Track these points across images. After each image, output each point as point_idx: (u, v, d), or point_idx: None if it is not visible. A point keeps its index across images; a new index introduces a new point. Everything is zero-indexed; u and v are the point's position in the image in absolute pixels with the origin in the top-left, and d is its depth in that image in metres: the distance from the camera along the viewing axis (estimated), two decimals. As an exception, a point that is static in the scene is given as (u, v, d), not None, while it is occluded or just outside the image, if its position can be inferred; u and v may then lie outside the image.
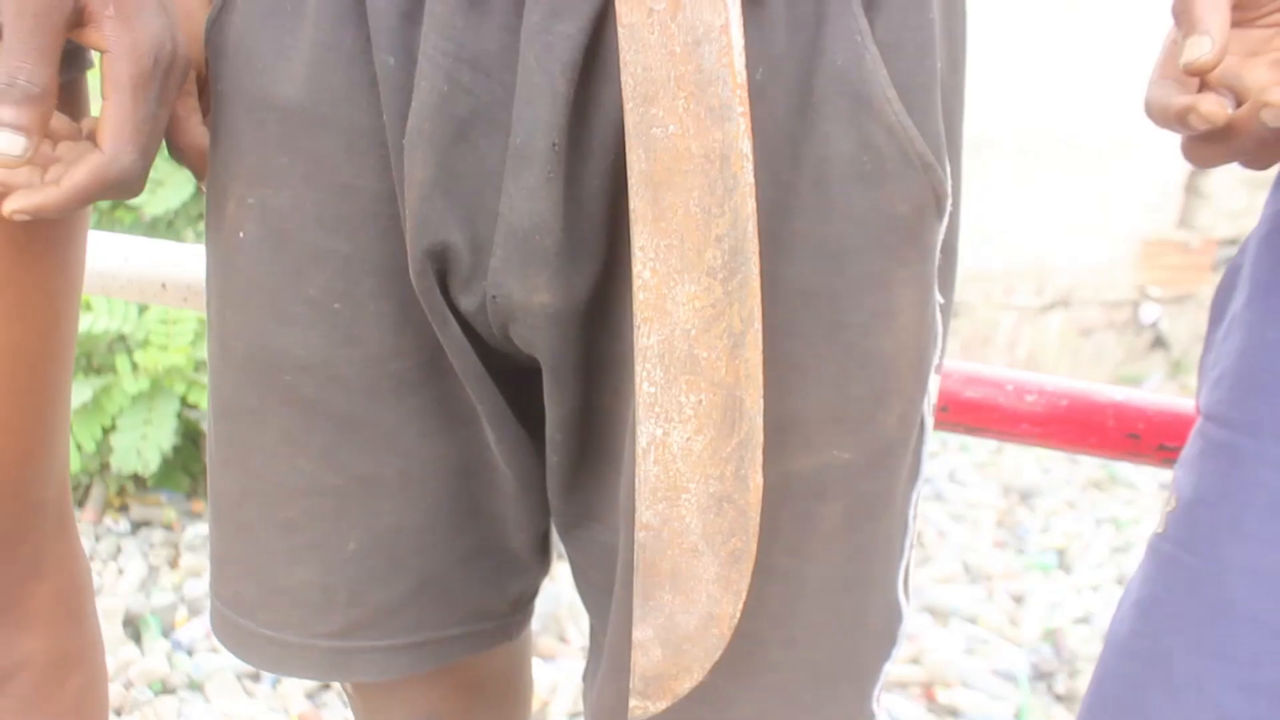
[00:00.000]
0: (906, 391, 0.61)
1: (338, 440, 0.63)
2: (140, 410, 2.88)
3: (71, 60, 0.67)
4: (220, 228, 0.64)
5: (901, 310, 0.59)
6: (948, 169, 0.60)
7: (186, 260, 0.99)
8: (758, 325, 0.53)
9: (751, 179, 0.52)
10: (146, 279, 0.99)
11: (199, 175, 0.66)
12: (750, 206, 0.52)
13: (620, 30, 0.51)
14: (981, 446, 3.71)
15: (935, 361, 0.63)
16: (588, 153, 0.56)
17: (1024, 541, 3.18)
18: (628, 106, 0.52)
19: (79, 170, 0.57)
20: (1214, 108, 0.55)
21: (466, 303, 0.60)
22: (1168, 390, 4.86)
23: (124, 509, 3.07)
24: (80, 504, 3.01)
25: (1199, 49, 0.54)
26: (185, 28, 0.67)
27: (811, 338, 0.58)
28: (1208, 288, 4.94)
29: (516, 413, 0.64)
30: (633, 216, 0.53)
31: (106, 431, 2.83)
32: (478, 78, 0.55)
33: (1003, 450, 3.64)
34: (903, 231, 0.58)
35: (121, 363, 2.81)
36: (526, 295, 0.57)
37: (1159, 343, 4.95)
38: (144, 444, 2.88)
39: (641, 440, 0.55)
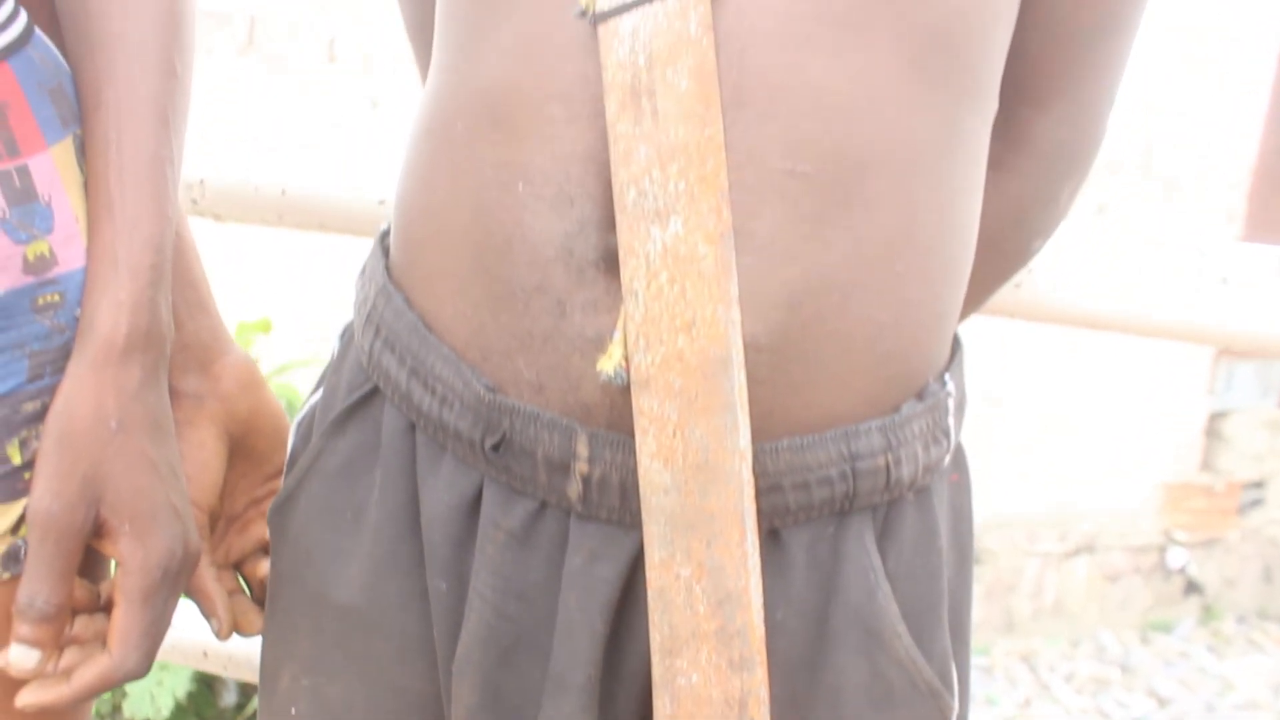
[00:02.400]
0: None
1: None
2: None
3: None
4: (274, 695, 0.68)
5: None
6: (954, 685, 0.63)
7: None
8: None
9: (769, 721, 0.56)
10: (189, 645, 1.03)
11: (208, 614, 0.71)
12: (767, 749, 0.56)
13: (650, 592, 0.56)
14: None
15: None
16: (622, 678, 0.60)
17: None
18: (655, 658, 0.56)
19: (88, 672, 0.62)
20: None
21: None
22: (1199, 638, 4.77)
23: (134, 757, 3.02)
24: (91, 751, 2.97)
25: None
26: (224, 416, 0.72)
27: None
28: (1235, 532, 4.90)
29: None
30: (658, 757, 0.56)
31: (124, 678, 2.82)
32: (522, 607, 0.60)
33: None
34: None
35: (146, 612, 2.83)
36: None
37: (1190, 588, 4.88)
38: (159, 689, 2.86)
39: None
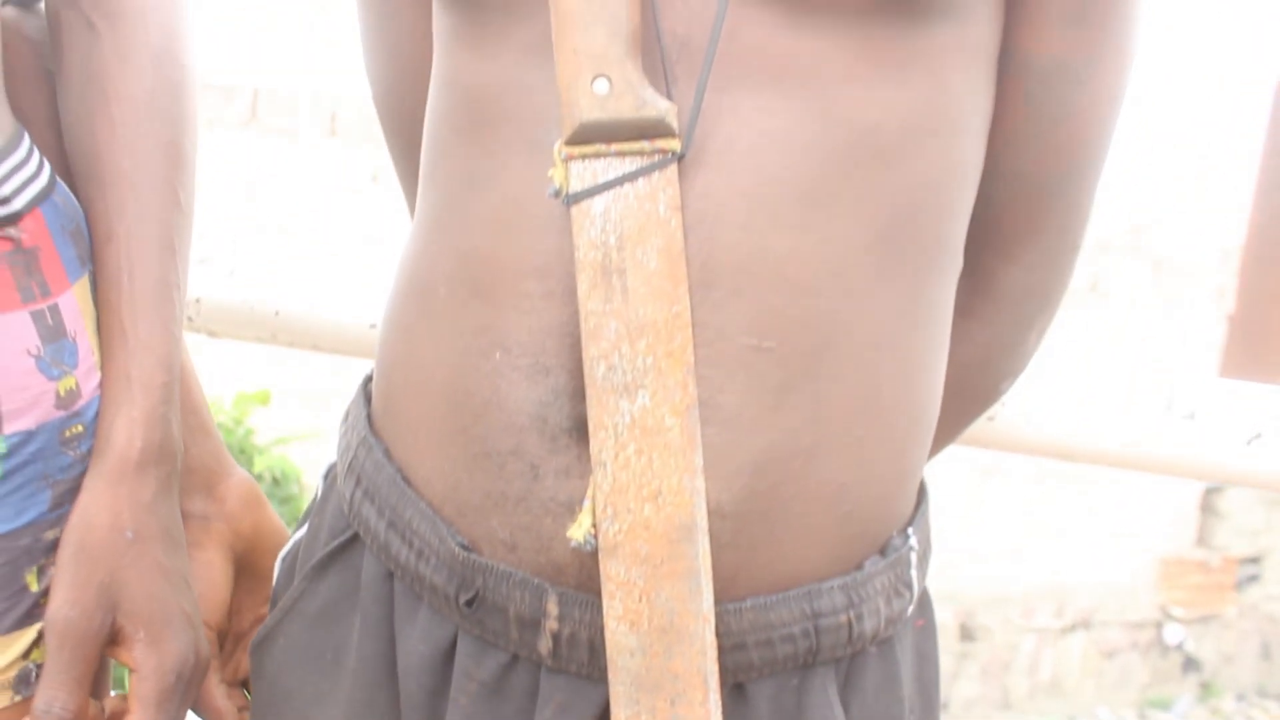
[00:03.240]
0: None
1: None
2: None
3: None
4: None
5: None
6: None
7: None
8: None
9: None
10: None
11: None
12: None
13: None
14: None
15: None
16: None
17: None
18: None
19: None
20: None
21: None
22: (1198, 715, 4.73)
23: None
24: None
25: None
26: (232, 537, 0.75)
27: None
28: (1233, 608, 4.88)
29: None
30: None
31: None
32: None
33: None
34: None
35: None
36: None
37: (1188, 665, 4.85)
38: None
39: None
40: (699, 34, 0.58)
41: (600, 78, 0.55)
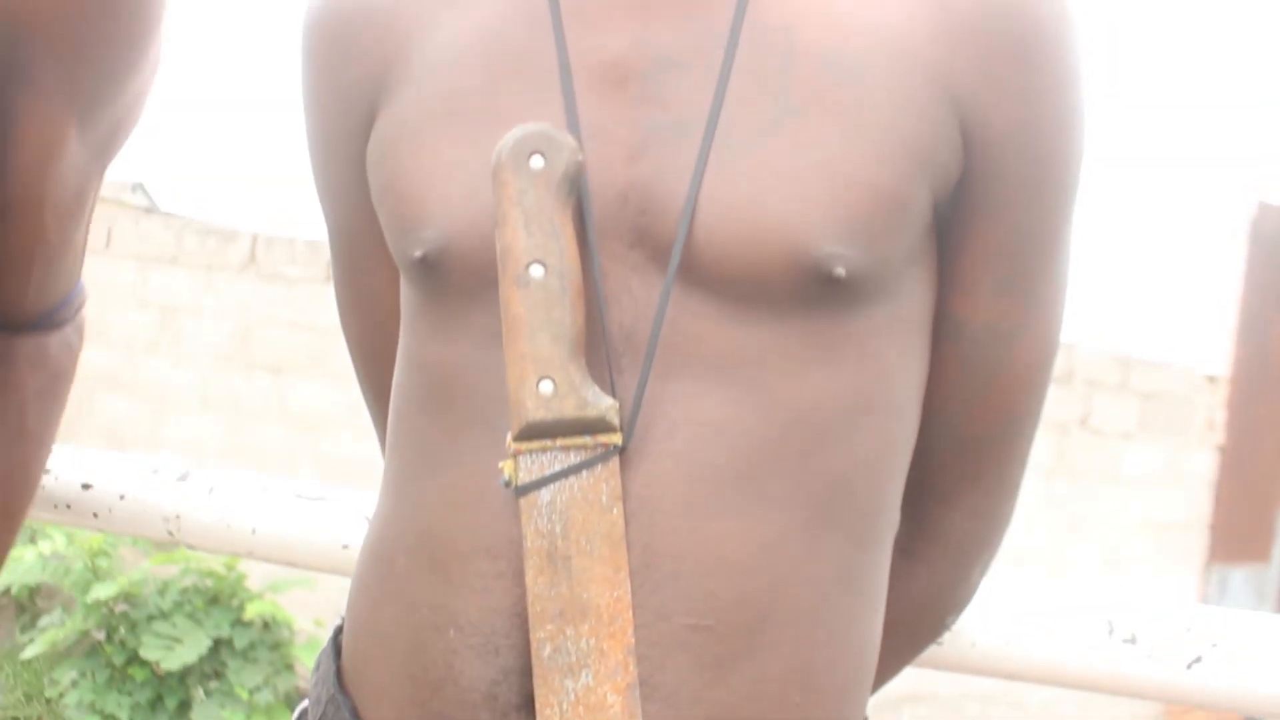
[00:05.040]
0: None
1: None
2: None
3: None
4: None
5: None
6: None
7: None
8: None
9: None
10: None
11: None
12: None
13: None
14: None
15: None
16: None
17: None
18: None
19: None
20: None
21: None
22: None
23: None
24: None
25: None
26: None
27: None
28: (1238, 747, 4.79)
29: None
30: None
31: None
32: None
33: None
34: None
35: None
36: None
37: (1195, 809, 4.74)
38: None
39: None
40: (643, 327, 0.62)
41: (545, 379, 0.60)
